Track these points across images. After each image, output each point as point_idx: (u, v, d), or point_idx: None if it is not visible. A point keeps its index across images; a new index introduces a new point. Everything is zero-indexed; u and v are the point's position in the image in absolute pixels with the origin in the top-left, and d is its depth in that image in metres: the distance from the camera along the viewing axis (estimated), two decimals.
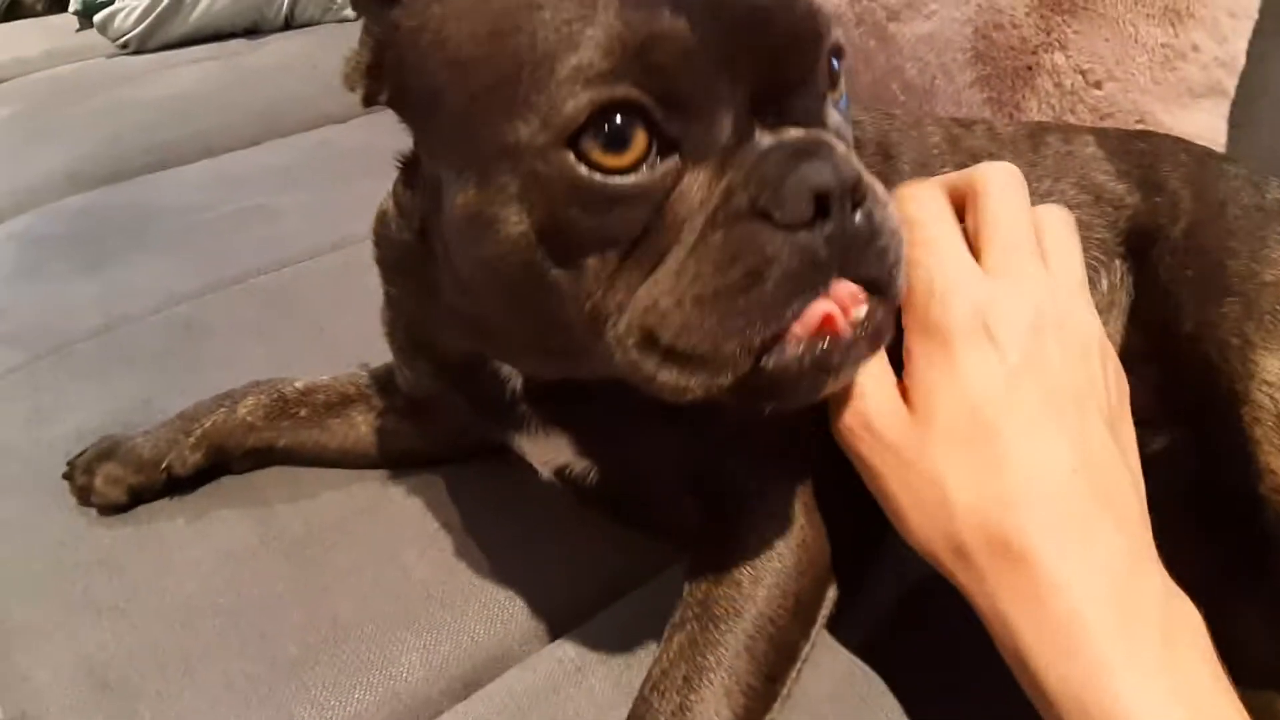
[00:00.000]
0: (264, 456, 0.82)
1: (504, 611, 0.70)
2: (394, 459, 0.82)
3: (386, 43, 0.51)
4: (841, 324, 0.44)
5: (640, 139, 0.43)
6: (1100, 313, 0.68)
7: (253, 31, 2.22)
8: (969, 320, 0.51)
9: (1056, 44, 0.96)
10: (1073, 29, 0.94)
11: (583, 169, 0.43)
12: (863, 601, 0.65)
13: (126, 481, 0.78)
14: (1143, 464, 0.55)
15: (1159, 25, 0.90)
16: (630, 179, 0.43)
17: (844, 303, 0.44)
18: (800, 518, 0.60)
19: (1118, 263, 0.70)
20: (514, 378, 0.62)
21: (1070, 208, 0.71)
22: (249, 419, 0.80)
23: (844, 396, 0.54)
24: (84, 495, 0.79)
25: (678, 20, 0.42)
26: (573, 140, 0.43)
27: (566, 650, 0.65)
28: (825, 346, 0.44)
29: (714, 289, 0.43)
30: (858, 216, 0.44)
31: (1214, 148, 0.90)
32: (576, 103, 0.42)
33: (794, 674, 0.58)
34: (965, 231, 0.56)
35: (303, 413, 0.81)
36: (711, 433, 0.61)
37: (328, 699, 0.64)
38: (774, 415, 0.56)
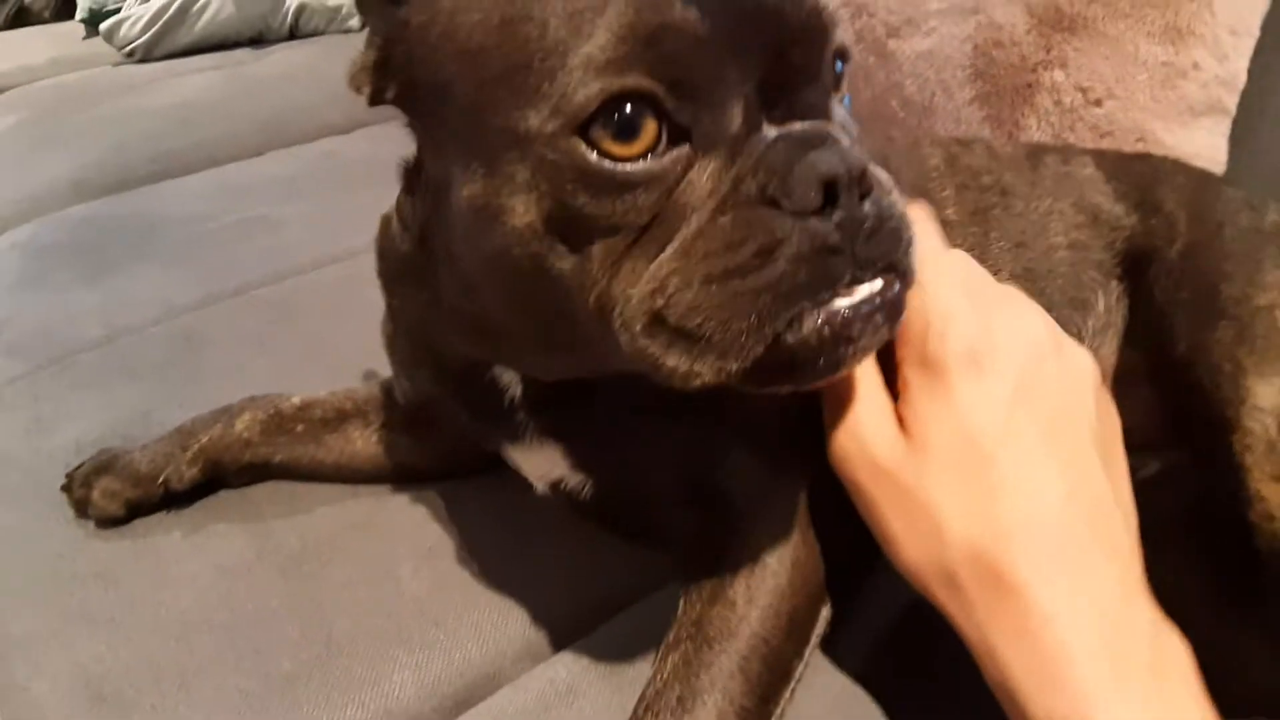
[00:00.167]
0: (260, 471, 0.82)
1: (497, 630, 0.69)
2: (389, 475, 0.82)
3: (394, 39, 0.52)
4: (858, 296, 0.44)
5: (650, 127, 0.44)
6: (1096, 333, 0.68)
7: (257, 41, 2.23)
8: (965, 352, 0.51)
9: (1056, 62, 0.96)
10: (1073, 47, 0.94)
11: (593, 155, 0.43)
12: (857, 622, 0.65)
13: (124, 495, 0.78)
14: (1139, 487, 0.55)
15: (1159, 43, 0.90)
16: (640, 165, 0.44)
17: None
18: (795, 536, 0.60)
19: (1114, 283, 0.70)
20: (513, 385, 0.62)
21: (1068, 228, 0.71)
22: (246, 434, 0.80)
23: (840, 421, 0.54)
24: (82, 508, 0.79)
25: (689, 10, 0.42)
26: (583, 128, 0.43)
27: (558, 670, 0.65)
28: (846, 315, 0.43)
29: (723, 268, 0.43)
30: (865, 205, 0.44)
31: (1214, 166, 0.90)
32: (588, 91, 0.42)
33: (788, 694, 0.58)
34: None
35: (299, 428, 0.81)
36: (707, 449, 0.61)
37: (320, 715, 0.64)
38: (771, 431, 0.57)
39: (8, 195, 1.51)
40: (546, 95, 0.43)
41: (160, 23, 2.10)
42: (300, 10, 2.25)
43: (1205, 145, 0.91)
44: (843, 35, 0.49)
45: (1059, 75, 0.95)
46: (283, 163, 1.58)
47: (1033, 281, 0.72)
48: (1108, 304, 0.69)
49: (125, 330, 1.08)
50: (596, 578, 0.73)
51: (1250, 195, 0.71)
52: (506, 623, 0.70)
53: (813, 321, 0.43)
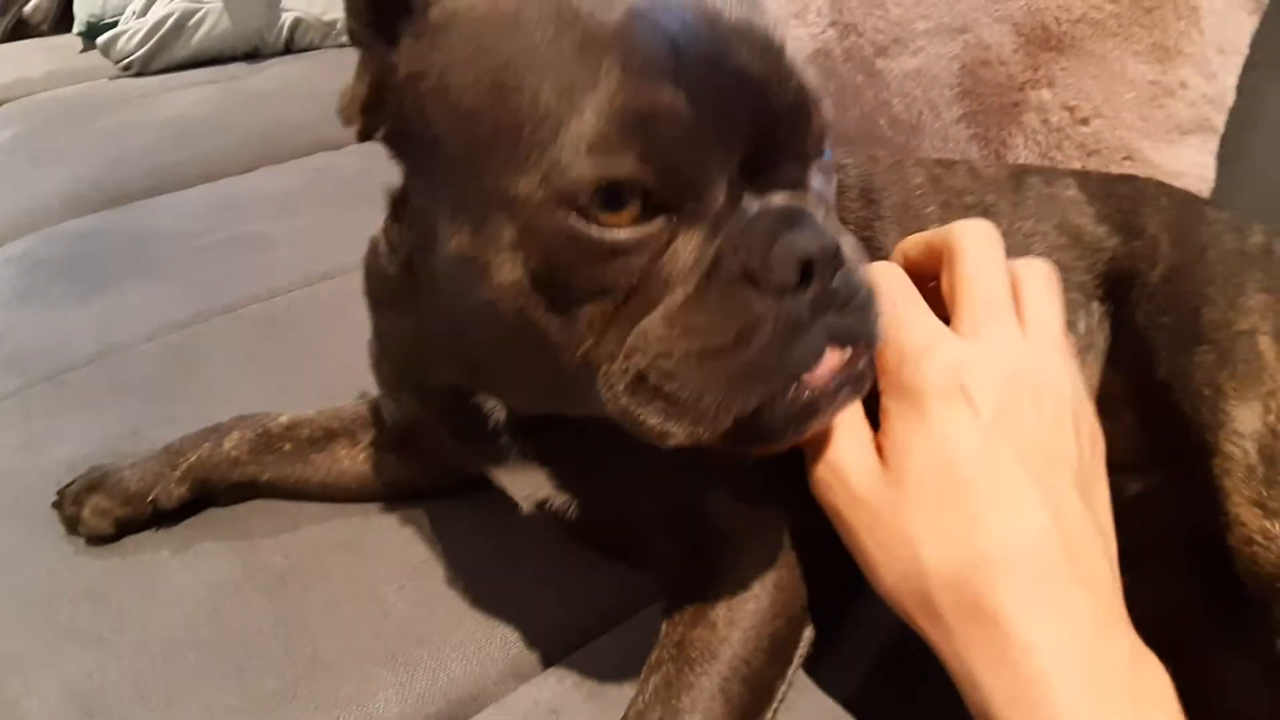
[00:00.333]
0: (248, 490, 0.82)
1: (481, 650, 0.70)
2: (376, 494, 0.82)
3: (384, 84, 0.52)
4: (827, 370, 0.46)
5: (636, 202, 0.45)
6: (1077, 354, 0.68)
7: (253, 56, 2.23)
8: (942, 380, 0.52)
9: (1044, 81, 0.96)
10: (1060, 66, 0.94)
11: (581, 223, 0.44)
12: (841, 645, 0.65)
13: (114, 513, 0.79)
14: (1123, 507, 0.55)
15: (1147, 62, 0.90)
16: (626, 232, 0.45)
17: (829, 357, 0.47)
18: (777, 559, 0.60)
19: (1096, 305, 0.70)
20: (497, 409, 0.63)
21: (1050, 249, 0.71)
22: (234, 453, 0.80)
23: (819, 449, 0.54)
24: (73, 525, 0.80)
25: (678, 95, 0.43)
26: (572, 199, 0.44)
27: (543, 690, 0.65)
28: (812, 394, 0.46)
29: (703, 346, 0.45)
30: (835, 279, 0.46)
31: (1202, 184, 0.90)
32: (580, 171, 0.43)
33: (770, 715, 0.59)
34: (941, 291, 0.57)
35: (287, 447, 0.81)
36: (692, 473, 0.61)
37: None
38: (754, 458, 0.57)
39: (4, 210, 1.52)
40: (537, 164, 0.44)
41: (157, 36, 2.10)
42: (295, 25, 2.25)
43: (1193, 164, 0.91)
44: (827, 111, 0.50)
45: (1046, 94, 0.96)
46: (276, 178, 1.58)
47: None
48: (1089, 326, 0.69)
49: (117, 347, 1.08)
50: (581, 597, 0.73)
51: (1234, 216, 0.71)
52: (491, 642, 0.70)
53: (783, 401, 0.45)
